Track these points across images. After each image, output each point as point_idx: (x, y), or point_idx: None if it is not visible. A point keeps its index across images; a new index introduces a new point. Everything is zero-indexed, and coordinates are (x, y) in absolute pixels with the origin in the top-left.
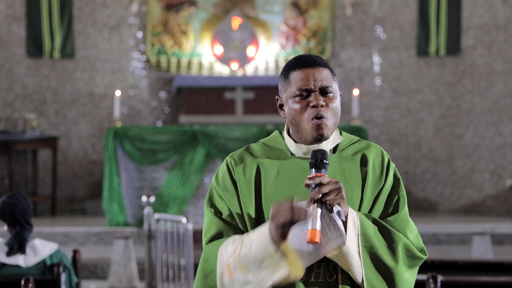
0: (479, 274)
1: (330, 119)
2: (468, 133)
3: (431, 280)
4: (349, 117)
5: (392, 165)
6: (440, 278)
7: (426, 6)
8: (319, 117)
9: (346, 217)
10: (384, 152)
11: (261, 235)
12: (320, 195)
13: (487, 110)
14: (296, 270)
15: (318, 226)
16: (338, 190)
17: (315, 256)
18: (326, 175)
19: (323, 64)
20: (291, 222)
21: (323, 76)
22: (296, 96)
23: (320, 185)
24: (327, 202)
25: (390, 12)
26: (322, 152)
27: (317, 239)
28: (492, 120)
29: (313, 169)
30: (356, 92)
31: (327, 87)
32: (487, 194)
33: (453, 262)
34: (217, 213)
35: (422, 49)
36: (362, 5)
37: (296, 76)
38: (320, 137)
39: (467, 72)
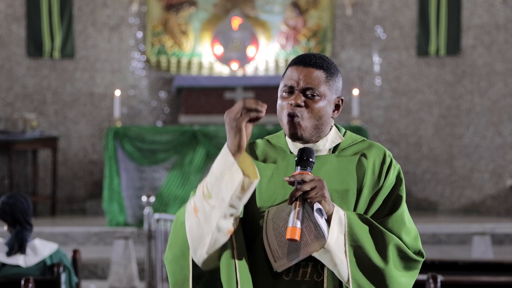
0: (479, 274)
1: (307, 120)
2: (468, 133)
3: (431, 280)
4: (349, 117)
5: (395, 166)
6: (440, 278)
7: (426, 6)
8: (291, 115)
9: (331, 215)
10: (387, 153)
11: (221, 153)
12: (302, 193)
13: (487, 110)
14: (250, 173)
15: (298, 224)
16: (320, 188)
17: (298, 254)
18: (310, 173)
19: (318, 65)
20: (244, 111)
21: (312, 77)
22: (283, 92)
23: (302, 182)
24: (308, 200)
25: (390, 12)
26: (309, 151)
27: (297, 237)
28: (492, 120)
29: (299, 167)
30: (356, 92)
31: (311, 88)
32: (487, 194)
33: (453, 262)
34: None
35: (422, 49)
36: (362, 5)
37: (288, 73)
38: (294, 135)
39: (467, 72)
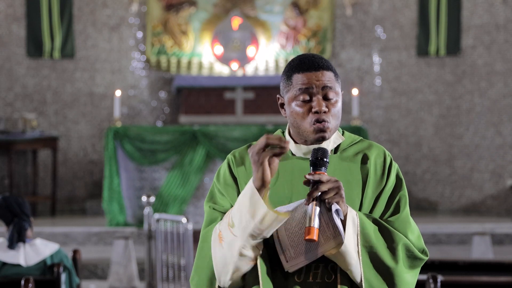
0: (479, 274)
1: (332, 122)
2: (468, 133)
3: (431, 280)
4: (349, 117)
5: (395, 166)
6: (440, 278)
7: (426, 6)
8: (320, 121)
9: (345, 216)
10: (387, 152)
11: (246, 186)
12: (319, 193)
13: (487, 110)
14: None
15: (316, 224)
16: (338, 188)
17: (313, 254)
18: (326, 174)
19: (326, 66)
20: (270, 149)
21: (326, 79)
22: (298, 99)
23: (319, 183)
24: (326, 200)
25: (390, 12)
26: (323, 151)
27: (315, 237)
28: (492, 120)
29: (313, 167)
30: (356, 92)
31: (329, 91)
32: (487, 194)
33: (453, 262)
34: (218, 208)
35: (422, 49)
36: (362, 5)
37: (298, 79)
38: (321, 139)
39: (467, 72)
